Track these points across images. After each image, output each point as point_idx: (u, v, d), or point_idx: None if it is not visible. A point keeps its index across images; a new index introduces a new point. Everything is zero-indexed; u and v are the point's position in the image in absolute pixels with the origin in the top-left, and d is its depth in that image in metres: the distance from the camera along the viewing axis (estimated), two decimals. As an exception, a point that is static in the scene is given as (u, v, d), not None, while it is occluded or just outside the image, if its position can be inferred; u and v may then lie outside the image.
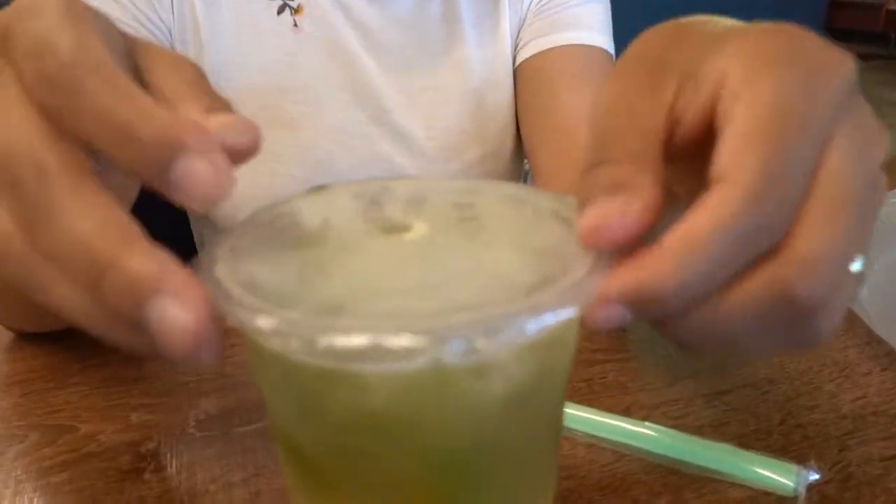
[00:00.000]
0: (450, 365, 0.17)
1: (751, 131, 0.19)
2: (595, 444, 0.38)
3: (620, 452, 0.38)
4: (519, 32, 0.66)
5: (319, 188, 0.24)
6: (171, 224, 0.58)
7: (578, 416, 0.39)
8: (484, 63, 0.65)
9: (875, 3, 4.87)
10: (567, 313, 0.18)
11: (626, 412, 0.40)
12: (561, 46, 0.63)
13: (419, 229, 0.21)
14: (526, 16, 0.66)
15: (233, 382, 0.45)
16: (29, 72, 0.19)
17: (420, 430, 0.19)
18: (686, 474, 0.36)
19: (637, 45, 0.23)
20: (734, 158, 0.19)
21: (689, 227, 0.19)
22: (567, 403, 0.40)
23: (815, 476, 0.34)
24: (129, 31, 0.23)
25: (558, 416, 0.24)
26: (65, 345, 0.49)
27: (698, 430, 0.38)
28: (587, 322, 0.19)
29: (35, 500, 0.36)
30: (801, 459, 0.36)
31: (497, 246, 0.21)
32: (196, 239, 0.72)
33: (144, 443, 0.40)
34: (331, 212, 0.22)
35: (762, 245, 0.19)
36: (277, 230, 0.22)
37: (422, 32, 0.63)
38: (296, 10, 0.61)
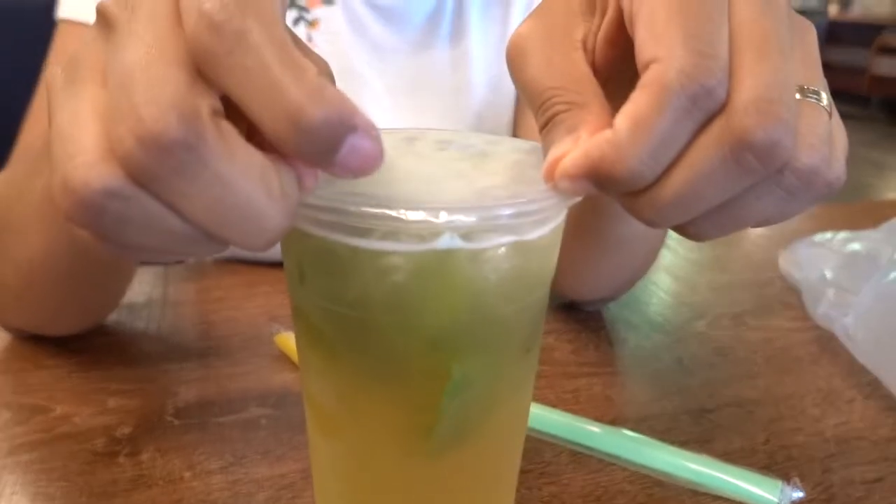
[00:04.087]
0: (454, 249, 0.21)
1: (660, 10, 0.20)
2: (580, 453, 0.38)
3: (605, 462, 0.37)
4: None
5: None
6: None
7: (564, 422, 0.39)
8: (487, 86, 0.65)
9: (860, 67, 5.13)
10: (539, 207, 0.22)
11: (611, 424, 0.40)
12: None
13: (439, 158, 0.26)
14: None
15: (215, 374, 0.44)
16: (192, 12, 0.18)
17: (424, 305, 0.23)
18: (670, 486, 0.36)
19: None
20: (655, 39, 0.20)
21: (633, 110, 0.20)
22: (552, 411, 0.40)
23: (799, 494, 0.34)
24: None
25: (537, 315, 0.27)
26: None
27: (683, 445, 0.38)
28: (556, 186, 0.22)
29: (3, 476, 0.35)
30: (785, 478, 0.36)
31: (493, 173, 0.25)
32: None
33: (120, 427, 0.39)
34: None
35: (709, 108, 0.20)
36: None
37: (431, 53, 0.64)
38: (311, 24, 0.61)
